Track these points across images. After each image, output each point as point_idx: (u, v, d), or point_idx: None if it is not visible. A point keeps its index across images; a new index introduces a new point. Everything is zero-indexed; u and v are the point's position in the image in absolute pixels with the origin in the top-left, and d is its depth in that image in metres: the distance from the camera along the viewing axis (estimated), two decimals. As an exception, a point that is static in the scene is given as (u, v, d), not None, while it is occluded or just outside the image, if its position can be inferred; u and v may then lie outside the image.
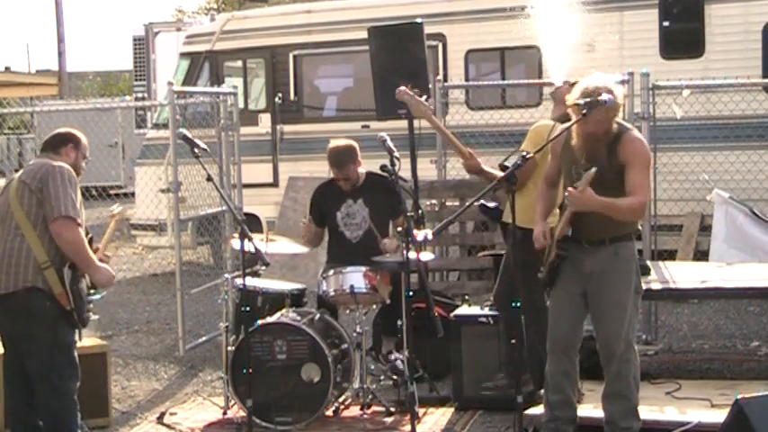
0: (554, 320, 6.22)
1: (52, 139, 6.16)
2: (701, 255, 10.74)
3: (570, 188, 5.80)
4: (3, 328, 6.03)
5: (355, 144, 7.81)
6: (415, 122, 8.95)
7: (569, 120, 6.02)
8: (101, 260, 6.08)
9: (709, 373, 7.88)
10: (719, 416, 5.92)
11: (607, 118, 5.85)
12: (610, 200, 5.81)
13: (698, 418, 6.44)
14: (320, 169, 8.31)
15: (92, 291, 6.05)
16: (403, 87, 7.33)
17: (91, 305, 6.04)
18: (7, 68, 47.71)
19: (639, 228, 6.26)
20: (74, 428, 5.97)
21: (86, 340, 7.44)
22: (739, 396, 5.37)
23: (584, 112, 5.76)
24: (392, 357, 7.41)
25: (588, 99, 5.77)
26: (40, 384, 5.91)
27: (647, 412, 6.35)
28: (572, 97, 5.93)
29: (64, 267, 5.83)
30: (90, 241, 6.03)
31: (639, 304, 6.26)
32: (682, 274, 8.05)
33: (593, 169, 5.70)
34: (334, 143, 7.80)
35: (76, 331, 6.07)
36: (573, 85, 6.17)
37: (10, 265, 5.85)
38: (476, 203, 6.37)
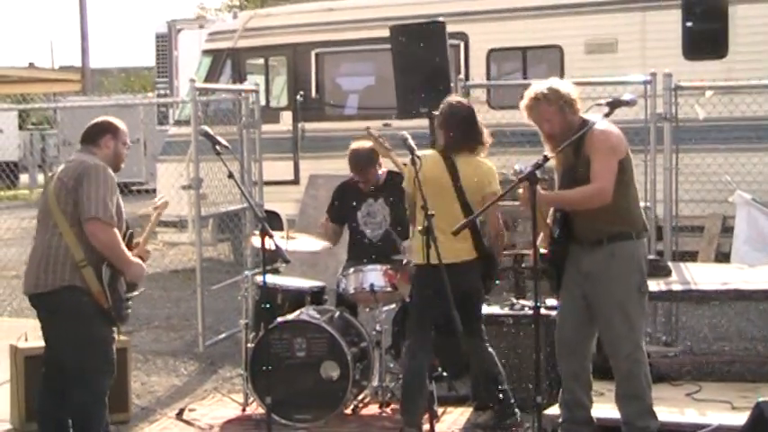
0: (559, 323, 6.21)
1: (90, 130, 6.14)
2: (723, 256, 10.69)
3: (518, 190, 5.81)
4: (43, 326, 6.07)
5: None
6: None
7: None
8: (140, 255, 6.09)
9: (730, 376, 7.84)
10: (740, 418, 5.89)
11: (564, 118, 5.91)
12: (561, 192, 5.86)
13: (718, 421, 6.41)
14: (341, 167, 8.31)
15: (130, 288, 6.09)
16: (369, 130, 7.46)
17: (130, 302, 6.04)
18: (31, 65, 48.05)
19: (643, 225, 6.15)
20: (99, 426, 5.98)
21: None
22: (760, 398, 5.35)
23: (608, 112, 5.77)
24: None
25: (610, 99, 5.78)
26: (75, 381, 5.93)
27: (666, 414, 6.33)
28: (524, 108, 6.05)
29: (102, 265, 5.85)
30: (131, 237, 6.06)
31: (646, 304, 6.21)
32: (703, 275, 8.01)
33: (516, 166, 5.80)
34: (355, 145, 7.78)
35: (115, 329, 6.08)
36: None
37: (48, 264, 5.88)
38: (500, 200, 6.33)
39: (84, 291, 5.84)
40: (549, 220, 6.05)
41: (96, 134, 6.11)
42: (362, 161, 7.67)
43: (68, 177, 5.88)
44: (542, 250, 5.99)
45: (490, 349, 6.79)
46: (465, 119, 6.74)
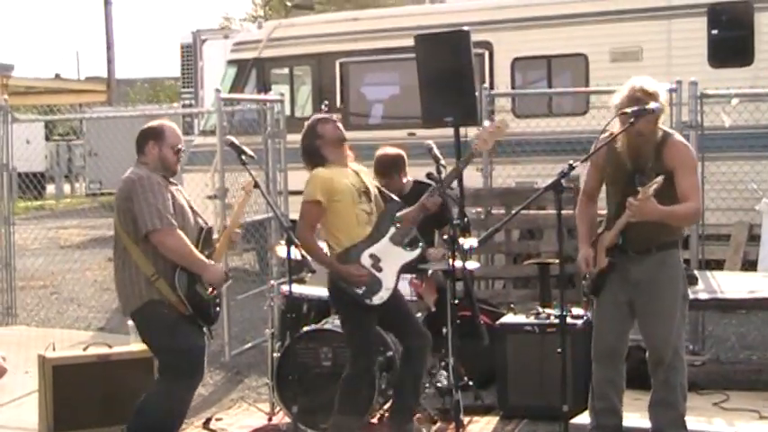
0: (599, 329, 6.20)
1: (137, 140, 6.19)
2: (750, 265, 10.63)
3: (631, 198, 5.72)
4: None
5: (403, 153, 7.82)
6: (461, 130, 8.96)
7: None
8: (231, 237, 6.19)
9: (758, 385, 7.80)
10: (768, 428, 5.87)
11: (652, 124, 5.84)
12: (671, 208, 5.78)
13: (746, 430, 6.39)
14: (366, 176, 8.33)
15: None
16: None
17: (218, 301, 6.15)
18: (57, 76, 48.37)
19: (684, 234, 6.19)
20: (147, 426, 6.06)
21: (133, 345, 7.52)
22: (788, 408, 5.33)
23: (632, 120, 5.75)
24: (434, 372, 7.37)
25: (636, 108, 5.75)
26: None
27: (694, 423, 6.30)
28: (617, 100, 5.91)
29: (175, 275, 5.91)
30: (208, 234, 6.11)
31: (687, 312, 6.21)
32: (729, 283, 7.99)
33: (660, 178, 5.62)
34: (382, 151, 7.80)
35: (205, 334, 6.17)
36: None
37: (126, 284, 6.03)
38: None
39: (162, 303, 5.95)
40: (614, 230, 5.99)
41: (141, 143, 6.16)
42: (386, 166, 7.68)
43: (119, 198, 6.01)
44: (608, 259, 5.99)
45: None
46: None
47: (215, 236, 6.31)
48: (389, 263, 6.39)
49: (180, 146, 6.16)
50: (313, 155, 6.59)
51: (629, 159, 5.92)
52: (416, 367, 6.58)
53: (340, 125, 6.68)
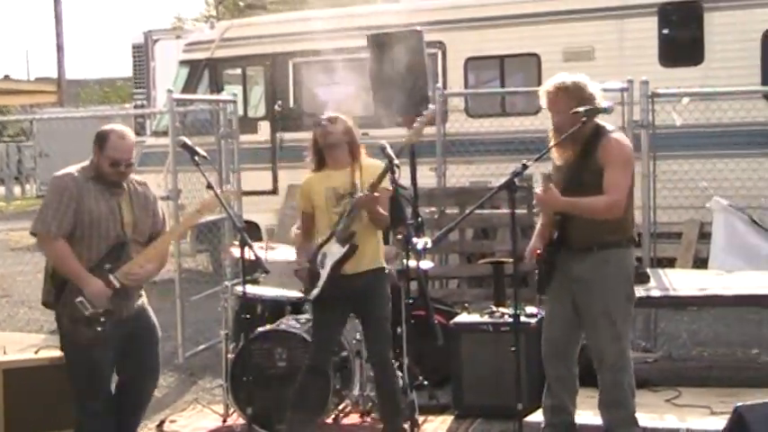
0: (546, 326, 6.22)
1: None
2: (701, 262, 10.74)
3: (537, 190, 5.82)
4: None
5: None
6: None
7: None
8: (158, 254, 5.98)
9: (709, 381, 7.87)
10: (719, 423, 5.92)
11: (568, 122, 5.88)
12: (576, 199, 5.82)
13: (698, 426, 6.44)
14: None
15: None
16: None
17: (102, 320, 5.80)
18: (7, 76, 47.81)
19: (633, 234, 6.17)
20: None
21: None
22: (739, 403, 5.37)
23: (584, 119, 5.77)
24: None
25: (588, 107, 5.78)
26: None
27: (646, 420, 6.34)
28: (543, 93, 5.98)
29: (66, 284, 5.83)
30: (118, 248, 5.86)
31: (632, 312, 6.21)
32: (681, 281, 8.05)
33: (548, 171, 5.78)
34: None
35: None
36: None
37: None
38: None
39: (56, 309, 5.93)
40: (540, 222, 6.05)
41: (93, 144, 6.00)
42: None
43: None
44: (539, 251, 6.01)
45: None
46: None
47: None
48: (329, 260, 6.40)
49: (121, 161, 5.84)
50: (313, 159, 6.70)
51: (559, 157, 5.96)
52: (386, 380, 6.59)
53: (332, 128, 6.55)
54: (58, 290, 5.84)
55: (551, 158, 6.08)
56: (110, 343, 5.84)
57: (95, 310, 5.76)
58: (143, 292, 6.16)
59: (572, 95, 5.89)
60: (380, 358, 6.47)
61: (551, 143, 5.93)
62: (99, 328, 5.77)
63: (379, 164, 6.41)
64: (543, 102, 6.02)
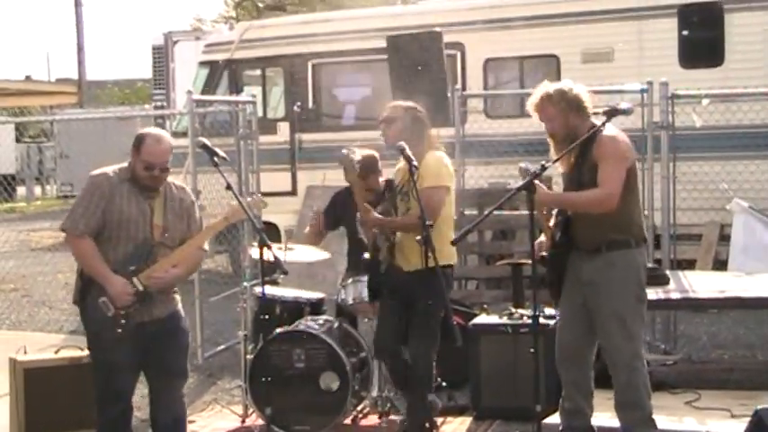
0: (559, 330, 6.22)
1: None
2: (721, 264, 10.70)
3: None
4: None
5: (376, 154, 7.81)
6: (434, 131, 8.94)
7: None
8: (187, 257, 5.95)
9: (729, 384, 7.85)
10: (739, 426, 5.90)
11: (560, 122, 5.94)
12: (567, 193, 5.83)
13: (717, 428, 6.42)
14: (339, 178, 8.30)
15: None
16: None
17: (122, 322, 5.77)
18: (28, 77, 48.07)
19: (642, 234, 6.14)
20: None
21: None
22: (759, 406, 5.35)
23: (604, 121, 5.79)
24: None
25: (608, 109, 5.80)
26: None
27: (666, 422, 6.33)
28: (530, 106, 6.08)
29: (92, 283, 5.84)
30: (143, 250, 5.83)
31: (644, 313, 6.19)
32: (701, 283, 8.02)
33: (521, 164, 5.79)
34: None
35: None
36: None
37: None
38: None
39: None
40: (551, 224, 6.05)
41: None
42: (365, 168, 7.66)
43: None
44: (542, 253, 6.00)
45: None
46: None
47: None
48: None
49: (155, 165, 5.83)
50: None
51: (556, 156, 5.97)
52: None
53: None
54: (84, 289, 5.86)
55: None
56: (130, 345, 5.80)
57: (117, 311, 5.74)
58: (178, 297, 6.10)
59: (555, 101, 5.96)
60: (413, 353, 6.55)
61: (551, 150, 5.96)
62: (119, 330, 5.75)
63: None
64: (533, 114, 6.09)
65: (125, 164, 5.95)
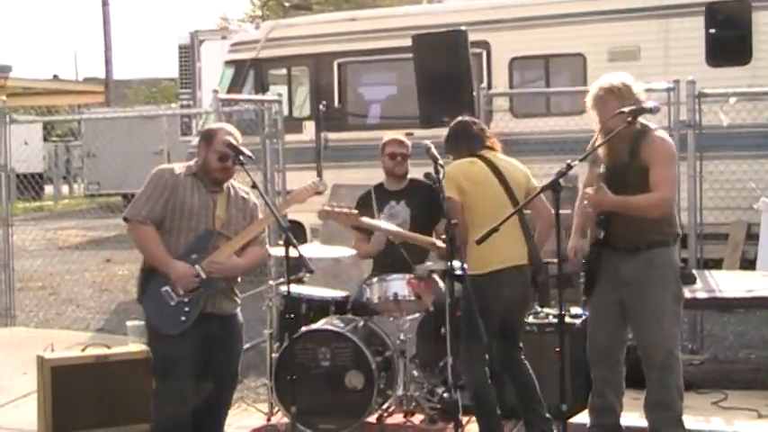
0: (592, 328, 6.20)
1: None
2: (748, 264, 10.65)
3: (588, 190, 5.80)
4: None
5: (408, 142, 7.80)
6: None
7: None
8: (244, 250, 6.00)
9: (756, 384, 7.80)
10: (767, 427, 5.87)
11: (621, 121, 5.85)
12: (628, 197, 5.80)
13: (745, 429, 6.39)
14: (364, 176, 8.34)
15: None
16: (325, 208, 7.30)
17: (187, 309, 5.83)
18: (55, 77, 48.42)
19: (678, 232, 6.14)
20: None
21: (131, 346, 7.53)
22: (787, 407, 5.33)
23: (630, 119, 5.75)
24: (438, 391, 7.35)
25: (633, 107, 5.76)
26: None
27: (692, 422, 6.30)
28: (591, 97, 5.96)
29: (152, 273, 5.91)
30: (204, 238, 5.88)
31: (681, 312, 6.19)
32: (728, 283, 7.98)
33: (601, 168, 5.74)
34: (392, 135, 7.80)
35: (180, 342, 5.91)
36: None
37: None
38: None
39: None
40: (590, 226, 6.03)
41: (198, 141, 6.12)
42: (403, 148, 7.67)
43: None
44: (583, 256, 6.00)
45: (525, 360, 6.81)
46: (471, 124, 6.86)
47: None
48: None
49: (229, 155, 5.92)
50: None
51: (606, 157, 5.93)
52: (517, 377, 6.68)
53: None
54: (144, 282, 5.92)
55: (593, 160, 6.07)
56: (190, 339, 5.84)
57: (180, 298, 5.80)
58: (238, 300, 6.17)
59: (623, 97, 5.88)
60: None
61: (597, 144, 5.91)
62: (183, 319, 5.80)
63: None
64: (590, 102, 6.00)
65: (190, 162, 6.06)
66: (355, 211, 7.21)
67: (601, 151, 5.92)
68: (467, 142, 6.75)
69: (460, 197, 6.47)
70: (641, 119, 5.90)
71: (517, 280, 6.54)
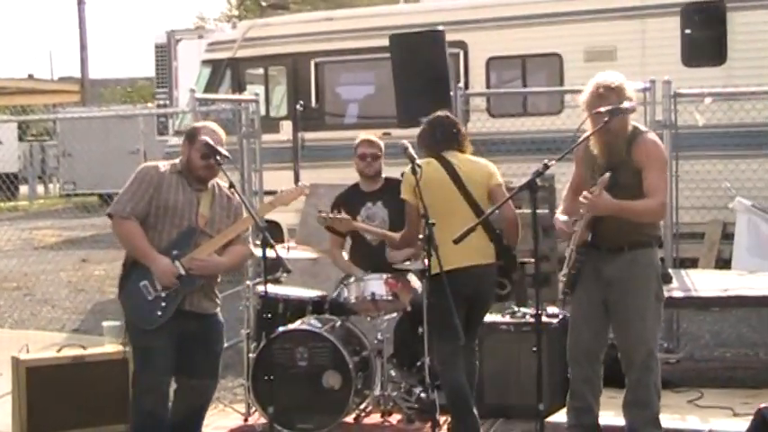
0: (575, 327, 6.21)
1: None
2: (724, 263, 10.70)
3: (585, 192, 5.81)
4: None
5: (381, 143, 7.82)
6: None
7: None
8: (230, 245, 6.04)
9: (732, 382, 7.85)
10: (742, 424, 5.90)
11: (622, 121, 5.87)
12: (626, 202, 5.81)
13: (720, 427, 6.42)
14: (341, 176, 8.33)
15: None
16: (323, 215, 7.34)
17: (163, 305, 5.86)
18: (30, 76, 48.14)
19: (660, 234, 6.18)
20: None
21: (107, 346, 7.50)
22: (762, 405, 5.35)
23: (606, 119, 5.76)
24: (416, 391, 7.36)
25: (610, 107, 5.77)
26: None
27: (668, 420, 6.33)
28: (583, 98, 5.94)
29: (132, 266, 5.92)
30: (187, 235, 5.94)
31: (662, 312, 6.22)
32: (704, 282, 8.02)
33: (608, 174, 5.72)
34: (366, 135, 7.82)
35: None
36: None
37: None
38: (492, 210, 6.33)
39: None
40: (575, 228, 6.02)
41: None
42: (373, 148, 7.68)
43: None
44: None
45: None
46: (444, 122, 6.81)
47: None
48: None
49: (211, 153, 5.92)
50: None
51: (602, 157, 5.94)
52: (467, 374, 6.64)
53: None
54: (125, 277, 5.94)
55: (573, 159, 6.08)
56: (167, 334, 5.87)
57: (158, 293, 5.83)
58: (218, 300, 6.19)
59: (623, 95, 5.88)
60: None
61: (576, 144, 5.93)
62: (159, 314, 5.83)
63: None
64: (588, 100, 5.95)
65: (175, 161, 6.10)
66: (348, 217, 7.26)
67: (598, 154, 5.93)
68: (433, 143, 6.76)
69: (414, 199, 6.46)
70: (632, 120, 5.93)
71: (477, 279, 6.53)
